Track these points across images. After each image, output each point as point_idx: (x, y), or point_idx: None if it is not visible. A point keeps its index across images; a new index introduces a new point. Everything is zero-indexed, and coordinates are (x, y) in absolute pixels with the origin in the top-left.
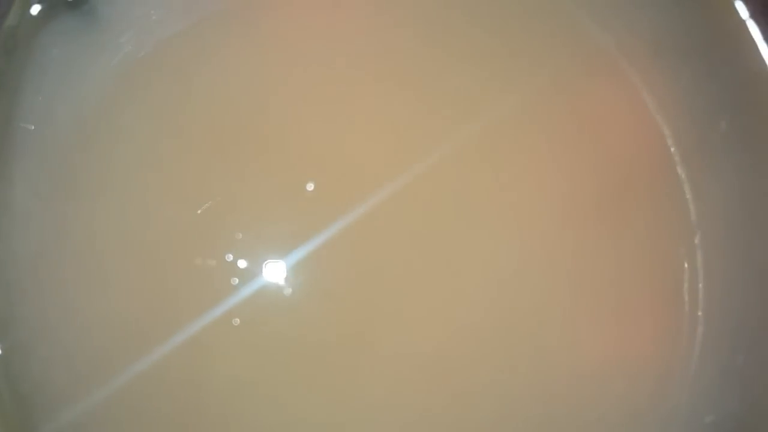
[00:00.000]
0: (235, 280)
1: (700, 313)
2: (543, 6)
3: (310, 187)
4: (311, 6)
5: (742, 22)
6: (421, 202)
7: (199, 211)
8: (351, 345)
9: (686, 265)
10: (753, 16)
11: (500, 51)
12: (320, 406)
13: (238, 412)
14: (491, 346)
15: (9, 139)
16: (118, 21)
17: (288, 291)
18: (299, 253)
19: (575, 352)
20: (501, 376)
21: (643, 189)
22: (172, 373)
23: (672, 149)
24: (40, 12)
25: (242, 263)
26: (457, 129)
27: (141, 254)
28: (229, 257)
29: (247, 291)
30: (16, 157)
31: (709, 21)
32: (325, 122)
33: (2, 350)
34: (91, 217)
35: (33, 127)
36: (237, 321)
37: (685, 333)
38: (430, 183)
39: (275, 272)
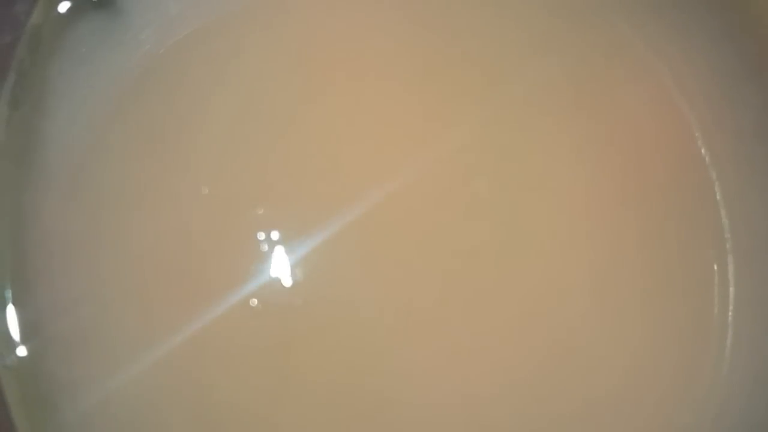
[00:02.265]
0: (240, 278)
1: (730, 317)
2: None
3: (325, 182)
4: (327, 5)
5: None
6: (437, 197)
7: (202, 209)
8: (358, 345)
9: (716, 268)
10: None
11: (522, 44)
12: (322, 404)
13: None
14: (504, 345)
15: (33, 137)
16: (141, 19)
17: (297, 287)
18: (308, 249)
19: (598, 357)
20: (516, 376)
21: (672, 191)
22: (184, 369)
23: (702, 150)
24: (64, 11)
25: (247, 259)
26: (476, 123)
27: (157, 254)
28: (236, 254)
29: (250, 289)
30: (40, 154)
31: (739, 18)
32: (341, 117)
33: (28, 351)
34: (114, 216)
35: (57, 125)
36: (244, 314)
37: (715, 337)
38: (450, 177)
39: (287, 266)
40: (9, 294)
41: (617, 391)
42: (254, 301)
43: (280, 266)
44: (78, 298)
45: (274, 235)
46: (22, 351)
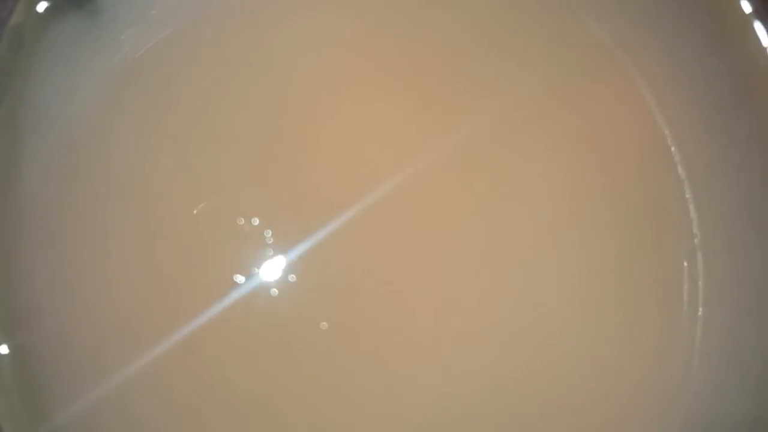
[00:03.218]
0: (234, 278)
1: (700, 312)
2: (540, 2)
3: (310, 186)
4: (312, 8)
5: (747, 19)
6: (421, 203)
7: (195, 211)
8: (350, 347)
9: (686, 264)
10: (757, 12)
11: (497, 49)
12: (317, 407)
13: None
14: (486, 343)
15: (15, 138)
16: (122, 18)
17: (284, 294)
18: (298, 253)
19: (573, 353)
20: (496, 373)
21: (642, 189)
22: (171, 371)
23: (672, 149)
24: (45, 10)
25: (239, 262)
26: (454, 129)
27: (142, 251)
28: (225, 256)
29: (246, 290)
30: (22, 155)
31: (712, 17)
32: (327, 120)
33: (10, 349)
34: (96, 214)
35: (38, 126)
36: (236, 320)
37: (686, 332)
38: (432, 183)
39: (276, 271)
40: None
41: (590, 387)
42: (251, 298)
43: (276, 265)
44: (66, 295)
45: (271, 234)
46: (4, 348)
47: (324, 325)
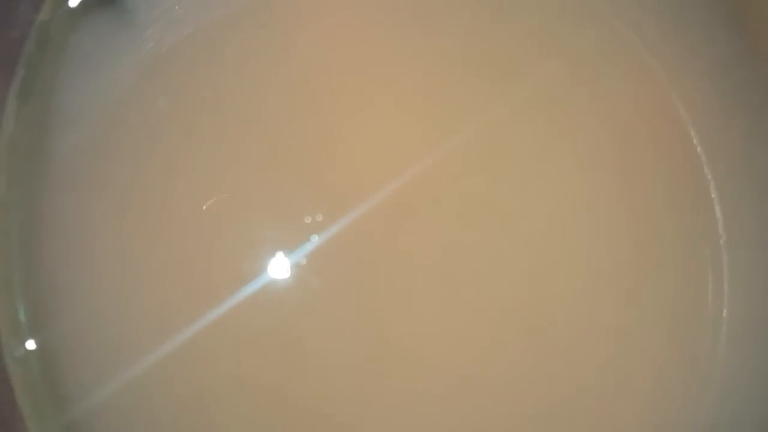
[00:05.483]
0: (240, 276)
1: (724, 314)
2: None
3: (321, 186)
4: (333, 8)
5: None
6: (439, 196)
7: (204, 207)
8: (356, 346)
9: (711, 266)
10: None
11: (521, 45)
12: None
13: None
14: (501, 345)
15: (41, 134)
16: (148, 16)
17: (292, 289)
18: (304, 251)
19: (594, 356)
20: (510, 378)
21: (667, 189)
22: (182, 372)
23: (698, 149)
24: (72, 7)
25: (248, 259)
26: (478, 123)
27: (160, 250)
28: (236, 253)
29: (252, 288)
30: (49, 152)
31: (738, 17)
32: (344, 120)
33: (37, 344)
34: (120, 211)
35: (65, 122)
36: (240, 319)
37: (710, 333)
38: (452, 175)
39: (282, 270)
40: (20, 285)
41: (610, 390)
42: (260, 298)
43: (283, 265)
44: (90, 291)
45: (277, 233)
46: (31, 344)
47: (336, 331)
